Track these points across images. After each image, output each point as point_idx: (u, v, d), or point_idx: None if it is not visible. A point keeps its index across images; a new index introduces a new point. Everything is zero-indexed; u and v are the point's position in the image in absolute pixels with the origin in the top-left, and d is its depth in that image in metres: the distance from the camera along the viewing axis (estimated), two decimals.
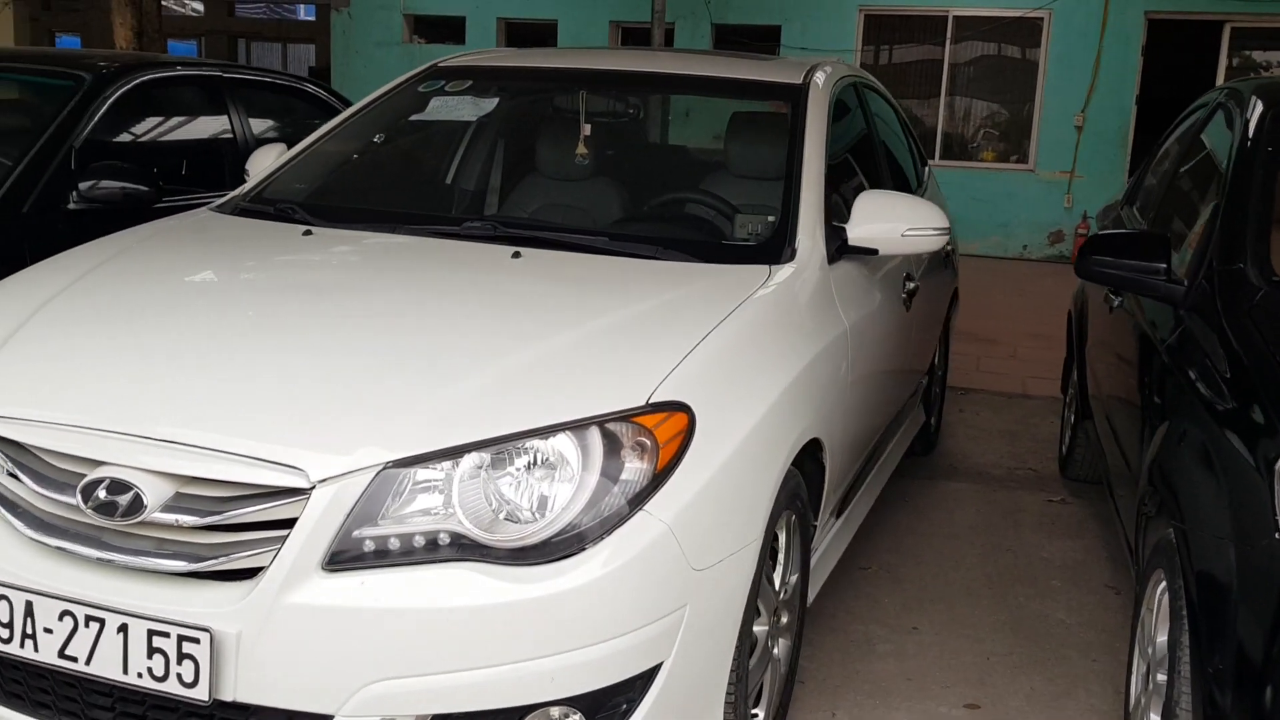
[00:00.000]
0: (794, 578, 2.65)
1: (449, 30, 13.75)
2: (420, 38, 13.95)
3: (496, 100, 3.83)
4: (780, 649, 2.62)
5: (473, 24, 13.53)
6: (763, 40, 12.76)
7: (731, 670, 2.19)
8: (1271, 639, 1.95)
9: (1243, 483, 2.10)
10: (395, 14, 13.77)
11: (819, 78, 3.43)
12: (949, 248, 4.69)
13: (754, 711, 2.48)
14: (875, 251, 3.01)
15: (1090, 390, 4.15)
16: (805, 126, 3.14)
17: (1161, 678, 2.33)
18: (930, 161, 12.08)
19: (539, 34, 13.59)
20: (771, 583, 2.49)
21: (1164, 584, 2.38)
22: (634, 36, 13.07)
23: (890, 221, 2.96)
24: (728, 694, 2.19)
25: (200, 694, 1.84)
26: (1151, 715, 2.40)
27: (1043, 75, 12.10)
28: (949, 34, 12.31)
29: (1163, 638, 2.35)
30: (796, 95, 3.27)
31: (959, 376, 6.45)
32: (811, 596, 2.88)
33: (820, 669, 3.04)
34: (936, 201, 4.76)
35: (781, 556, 2.54)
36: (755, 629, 2.42)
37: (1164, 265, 2.83)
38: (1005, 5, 11.97)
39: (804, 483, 2.59)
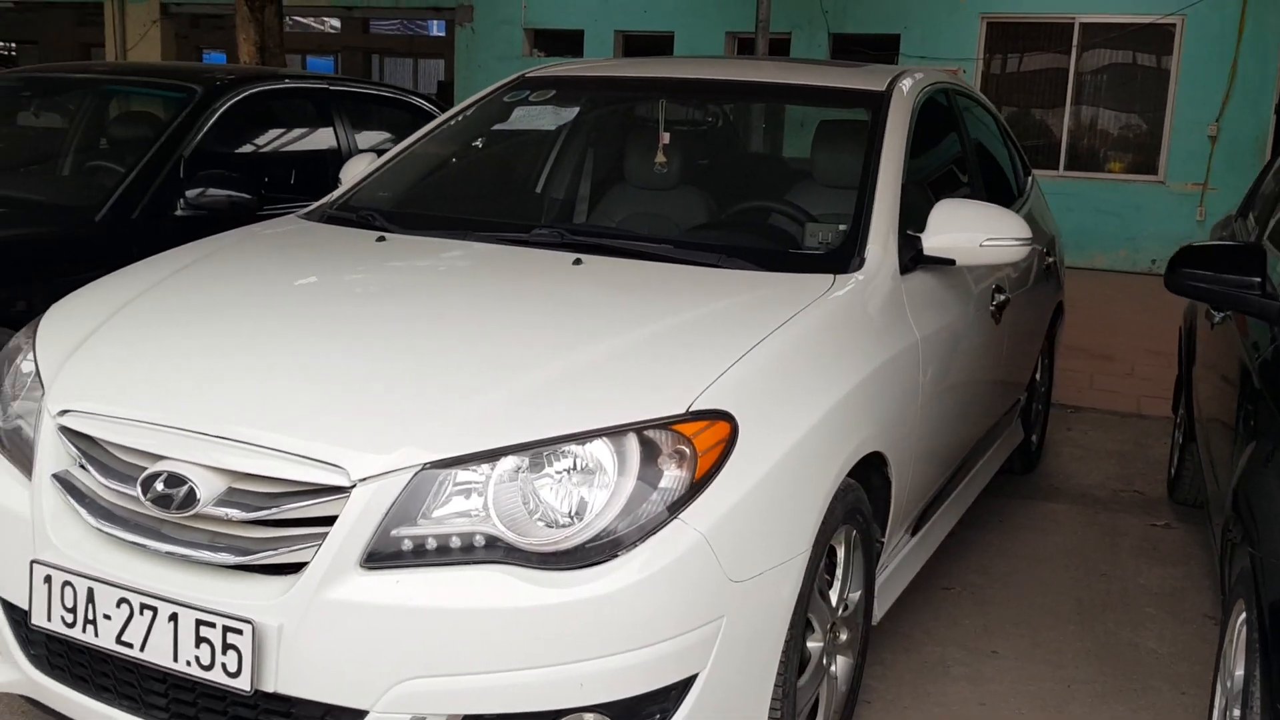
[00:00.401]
0: (855, 594, 2.59)
1: (568, 43, 13.95)
2: (540, 51, 14.18)
3: (577, 110, 3.87)
4: (839, 667, 2.57)
5: (591, 37, 13.69)
6: (881, 49, 12.59)
7: (777, 686, 2.16)
8: None
9: None
10: (516, 29, 14.03)
11: (904, 85, 3.37)
12: (1050, 260, 4.55)
13: None
14: (953, 262, 2.93)
15: (1194, 409, 3.96)
16: (884, 135, 3.08)
17: (1238, 713, 2.21)
18: (1055, 173, 11.80)
19: (656, 45, 13.67)
20: (827, 598, 2.44)
21: (1244, 615, 2.25)
22: (750, 47, 13.05)
23: (968, 231, 2.88)
24: (771, 709, 2.16)
25: (243, 684, 1.90)
26: None
27: (1174, 83, 11.63)
28: (1075, 41, 11.94)
29: (1240, 671, 2.23)
30: (877, 103, 3.22)
31: (1069, 394, 6.24)
32: (879, 615, 2.81)
33: (889, 689, 2.96)
34: (1038, 212, 4.64)
35: (839, 572, 2.49)
36: (809, 645, 2.38)
37: (1258, 279, 2.68)
38: (1135, 11, 11.55)
39: (866, 497, 2.53)
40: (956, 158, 3.75)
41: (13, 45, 23.91)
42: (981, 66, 12.28)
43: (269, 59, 8.24)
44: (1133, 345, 7.72)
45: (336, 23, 24.35)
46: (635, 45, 13.87)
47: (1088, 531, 4.24)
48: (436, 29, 24.91)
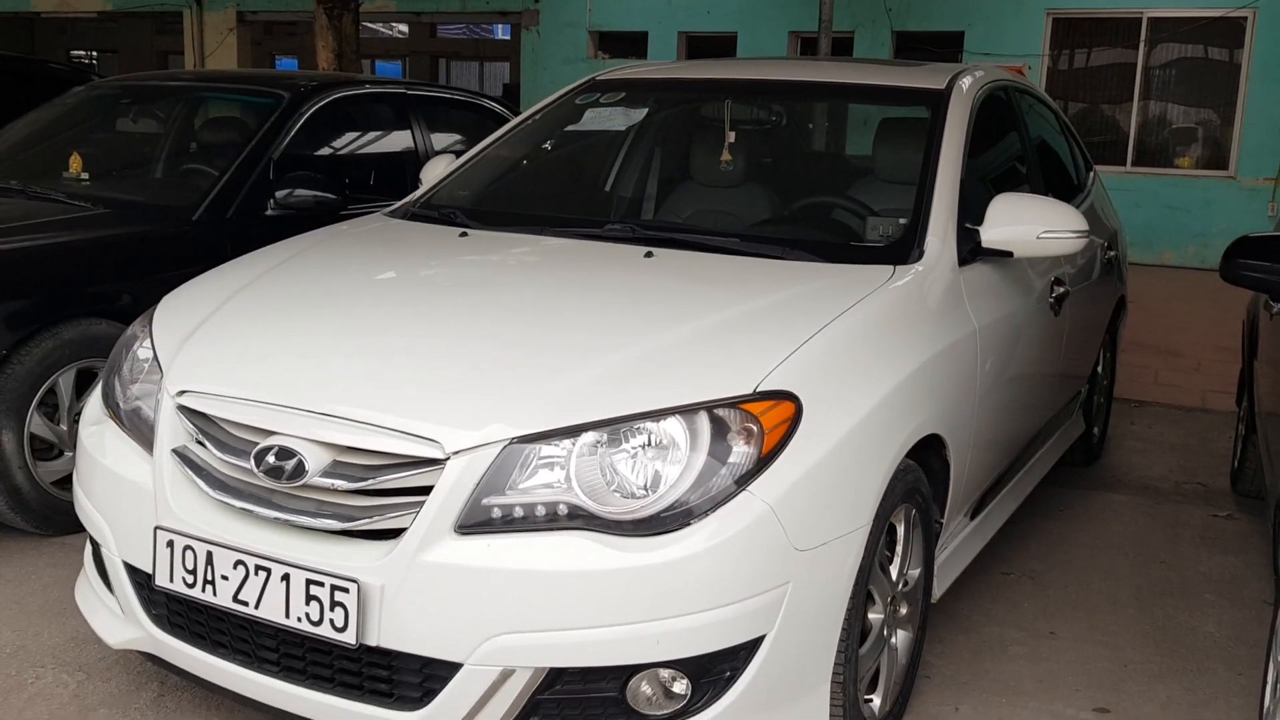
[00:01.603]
0: (915, 571, 2.71)
1: (632, 45, 14.13)
2: (604, 53, 14.38)
3: (646, 111, 4.02)
4: (899, 639, 2.69)
5: (654, 38, 13.86)
6: (945, 46, 12.59)
7: (839, 651, 2.29)
8: None
9: None
10: (581, 31, 14.24)
11: (964, 83, 3.47)
12: (1111, 254, 4.61)
13: (868, 697, 2.56)
14: (1010, 254, 3.03)
15: (1256, 402, 4.01)
16: (943, 131, 3.19)
17: None
18: (1122, 169, 11.71)
19: (719, 46, 13.80)
20: (887, 573, 2.57)
21: None
22: (812, 46, 13.12)
23: (1025, 224, 2.99)
24: (835, 674, 2.29)
25: (349, 638, 2.08)
26: None
27: (1245, 77, 11.49)
28: (1143, 36, 11.84)
29: None
30: (937, 100, 3.33)
31: (1134, 389, 6.26)
32: (938, 593, 2.93)
33: (948, 665, 3.07)
34: (1100, 207, 4.70)
35: (899, 548, 2.61)
36: (870, 616, 2.51)
37: None
38: (1204, 5, 11.44)
39: (925, 478, 2.65)
40: (1016, 153, 3.84)
41: (94, 54, 24.69)
42: (1047, 63, 12.23)
43: (346, 65, 8.53)
44: (1200, 341, 7.69)
45: (404, 27, 24.79)
46: (698, 46, 14.01)
47: (1149, 521, 4.30)
48: (502, 32, 25.25)
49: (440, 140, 5.23)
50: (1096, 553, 3.95)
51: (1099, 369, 4.75)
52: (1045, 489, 4.28)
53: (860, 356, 2.43)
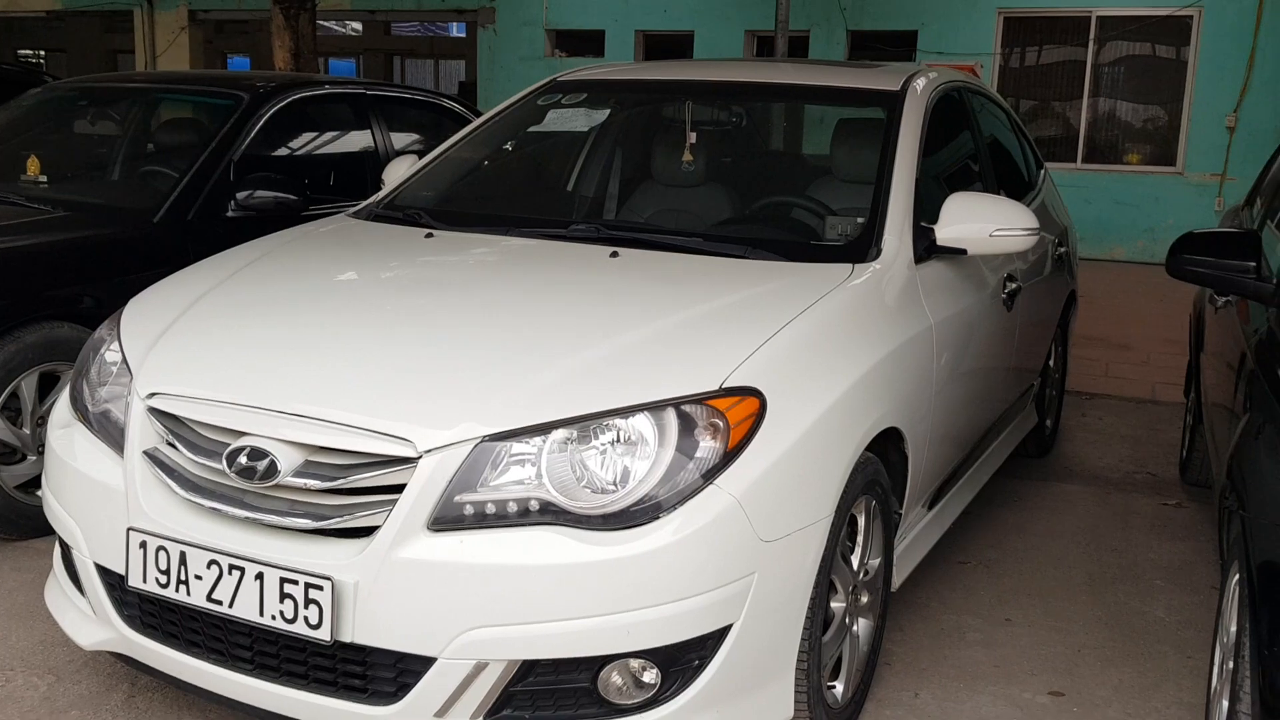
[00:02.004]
0: (875, 561, 2.79)
1: (589, 44, 14.16)
2: (561, 51, 14.40)
3: (608, 112, 4.07)
4: (861, 628, 2.76)
5: (612, 37, 13.89)
6: (899, 45, 12.74)
7: (803, 639, 2.35)
8: None
9: None
10: (538, 29, 14.25)
11: (918, 84, 3.55)
12: (1062, 250, 4.72)
13: (831, 684, 2.63)
14: (964, 251, 3.12)
15: (1202, 392, 4.13)
16: (899, 131, 3.27)
17: (1231, 665, 2.38)
18: (1073, 165, 11.89)
19: (676, 45, 13.87)
20: (849, 563, 2.64)
21: (1237, 575, 2.43)
22: (769, 45, 13.22)
23: (978, 222, 3.07)
24: (799, 661, 2.35)
25: (323, 635, 2.11)
26: (1223, 702, 2.45)
27: (1192, 75, 11.73)
28: (1093, 34, 12.05)
29: (1234, 627, 2.41)
30: (892, 102, 3.40)
31: (1085, 381, 6.40)
32: (897, 582, 3.01)
33: (908, 653, 3.15)
34: (1051, 204, 4.81)
35: (860, 539, 2.69)
36: (832, 605, 2.57)
37: (1253, 264, 2.86)
38: (1152, 4, 11.66)
39: (885, 471, 2.73)
40: (969, 152, 3.93)
41: (41, 53, 24.30)
42: (999, 61, 12.41)
43: (303, 64, 8.49)
44: (1149, 334, 7.86)
45: (359, 25, 24.63)
46: (656, 44, 14.07)
47: (1101, 510, 4.41)
48: (457, 30, 25.15)
49: (400, 140, 5.24)
50: (1050, 541, 4.05)
51: (1051, 362, 4.86)
52: (1000, 480, 4.38)
53: (821, 352, 2.50)
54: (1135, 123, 12.36)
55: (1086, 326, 7.75)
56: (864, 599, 2.75)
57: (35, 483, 3.60)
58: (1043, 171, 4.99)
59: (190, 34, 16.43)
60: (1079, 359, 6.61)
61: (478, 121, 3.92)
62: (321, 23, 19.41)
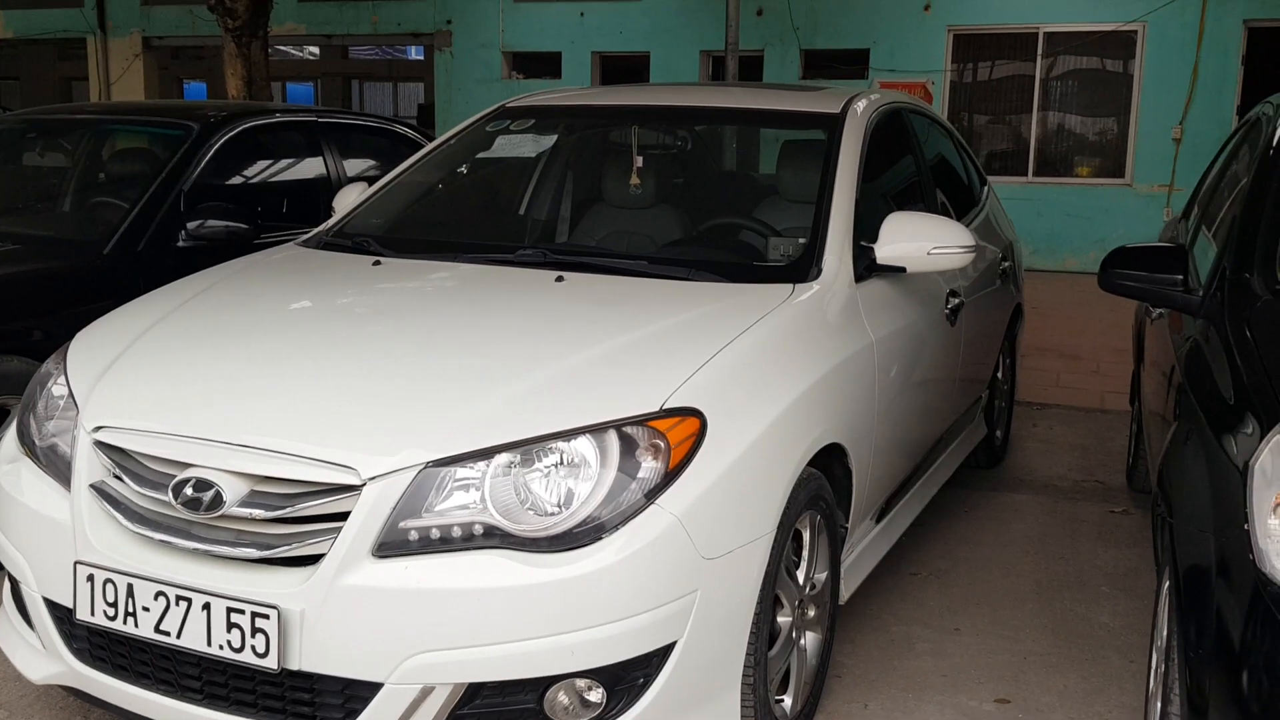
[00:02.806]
0: (822, 575, 2.84)
1: (546, 65, 14.24)
2: (519, 73, 14.47)
3: (555, 138, 4.12)
4: (808, 641, 2.81)
5: (568, 58, 13.99)
6: (851, 63, 12.91)
7: (749, 655, 2.40)
8: (1245, 624, 2.07)
9: (1224, 480, 2.22)
10: (494, 51, 14.32)
11: (859, 106, 3.63)
12: (1005, 264, 4.82)
13: (780, 697, 2.67)
14: (903, 269, 3.19)
15: (1142, 400, 4.23)
16: (839, 153, 3.34)
17: (1163, 669, 2.45)
18: (1024, 178, 12.06)
19: (632, 66, 13.97)
20: (794, 577, 2.68)
21: (1169, 580, 2.50)
22: (724, 65, 13.36)
23: (916, 241, 3.14)
24: (745, 676, 2.39)
25: (271, 663, 2.13)
26: (1158, 704, 2.52)
27: (1138, 88, 11.98)
28: (1040, 50, 12.28)
29: (1166, 630, 2.48)
30: (832, 124, 3.48)
31: (1035, 392, 6.51)
32: (845, 595, 3.06)
33: (858, 664, 3.20)
34: (995, 220, 4.91)
35: (805, 553, 2.73)
36: (779, 619, 2.62)
37: (1180, 276, 2.94)
38: (1097, 19, 11.91)
39: (829, 485, 2.78)
40: (911, 172, 4.02)
41: None
42: (950, 77, 12.61)
43: (256, 92, 8.49)
44: (1099, 344, 8.00)
45: (316, 49, 24.58)
46: (612, 65, 14.17)
47: (1049, 519, 4.50)
48: (415, 53, 25.14)
49: (353, 167, 5.26)
50: (999, 550, 4.12)
51: (999, 374, 4.95)
52: (950, 491, 4.46)
53: (762, 372, 2.55)
54: (1084, 135, 12.59)
55: (1038, 337, 7.88)
56: (811, 613, 2.80)
57: None
58: (986, 188, 5.09)
59: (145, 61, 16.36)
60: (1030, 369, 6.72)
61: (427, 148, 3.96)
62: (279, 47, 19.38)
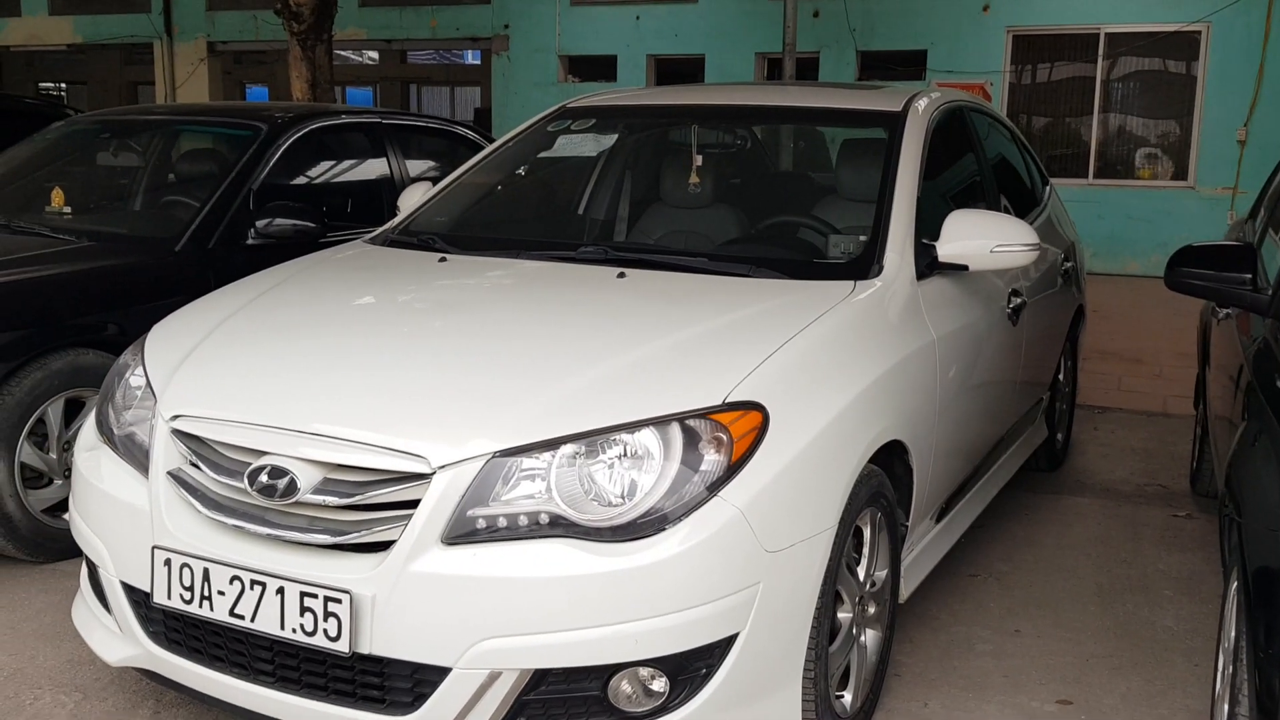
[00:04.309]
0: (882, 573, 2.84)
1: (601, 69, 14.31)
2: (574, 77, 14.56)
3: (616, 137, 4.16)
4: (868, 638, 2.81)
5: (623, 62, 14.04)
6: (908, 65, 12.83)
7: (810, 648, 2.41)
8: None
9: None
10: (551, 55, 14.41)
11: (920, 105, 3.62)
12: (1068, 265, 4.77)
13: (840, 693, 2.67)
14: (966, 267, 3.18)
15: (1207, 402, 4.17)
16: (900, 151, 3.34)
17: (1231, 670, 2.42)
18: (1084, 181, 11.92)
19: (688, 69, 14.00)
20: (855, 574, 2.69)
21: (1237, 581, 2.47)
22: (779, 67, 13.34)
23: (979, 239, 3.13)
24: (806, 670, 2.41)
25: (342, 646, 2.18)
26: (1225, 706, 2.49)
27: (1201, 89, 11.78)
28: (1101, 51, 12.12)
29: (1234, 632, 2.45)
30: (894, 122, 3.47)
31: (1097, 395, 6.43)
32: (905, 594, 3.05)
33: (918, 663, 3.20)
34: (1057, 220, 4.87)
35: (866, 550, 2.74)
36: (839, 615, 2.63)
37: (1249, 275, 2.91)
38: (1160, 20, 11.73)
39: (890, 483, 2.78)
40: (972, 171, 4.00)
41: (63, 86, 24.67)
42: (1009, 79, 12.48)
43: (320, 94, 8.64)
44: (1162, 348, 7.88)
45: (375, 54, 24.90)
46: (667, 69, 14.20)
47: (1111, 523, 4.45)
48: (472, 58, 25.39)
49: (415, 167, 5.34)
50: (1060, 554, 4.09)
51: (1060, 376, 4.90)
52: (1011, 493, 4.43)
53: (823, 367, 2.56)
54: (1146, 137, 12.41)
55: (1099, 341, 7.78)
56: (871, 610, 2.80)
57: (61, 506, 3.69)
58: (1048, 188, 5.04)
59: (209, 65, 16.69)
60: (1091, 373, 6.64)
61: (489, 148, 4.01)
62: (339, 52, 19.69)
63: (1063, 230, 4.92)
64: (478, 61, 24.10)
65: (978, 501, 3.79)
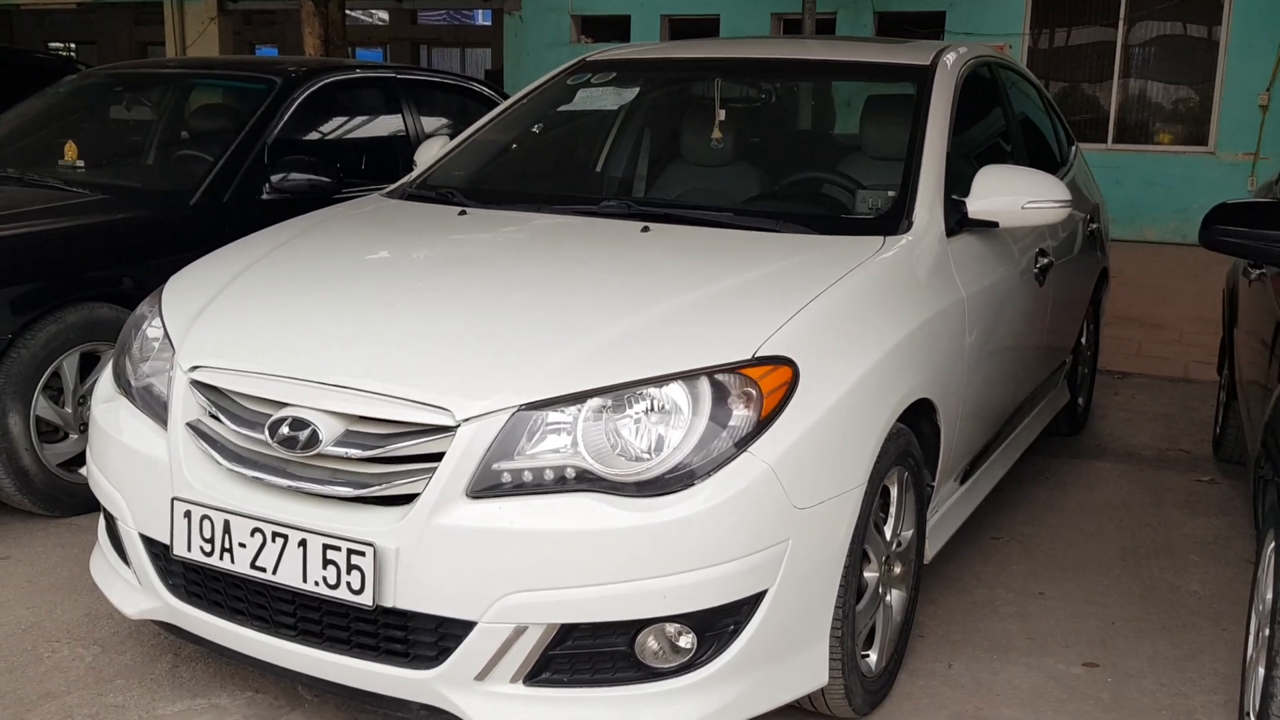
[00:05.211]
0: (908, 533, 2.80)
1: (615, 29, 14.15)
2: (587, 37, 14.39)
3: (637, 90, 4.08)
4: (894, 598, 2.77)
5: (637, 22, 13.88)
6: (926, 27, 12.65)
7: (837, 607, 2.37)
8: None
9: None
10: (563, 15, 14.25)
11: (948, 59, 3.54)
12: (1094, 226, 4.70)
13: (865, 653, 2.64)
14: (996, 224, 3.11)
15: (1236, 367, 4.11)
16: (929, 105, 3.27)
17: (1267, 632, 2.38)
18: (1103, 146, 11.78)
19: (702, 29, 13.82)
20: (882, 533, 2.65)
21: (1273, 543, 2.43)
22: (795, 28, 13.16)
23: (1009, 195, 3.07)
24: (833, 629, 2.37)
25: (366, 600, 2.15)
26: (1260, 669, 2.45)
27: (1223, 54, 11.60)
28: (1122, 14, 11.94)
29: (1270, 594, 2.41)
30: (923, 76, 3.40)
31: (1118, 360, 6.37)
32: (930, 554, 3.02)
33: (941, 625, 3.17)
34: (1082, 181, 4.79)
35: (893, 509, 2.70)
36: (866, 574, 2.59)
37: None
38: None
39: (918, 443, 2.74)
40: (1000, 128, 3.92)
41: (73, 46, 24.54)
42: (1028, 42, 12.31)
43: (332, 51, 8.54)
44: (1182, 314, 7.81)
45: (385, 15, 24.70)
46: (681, 29, 14.03)
47: (1133, 487, 4.40)
48: (482, 19, 25.18)
49: (430, 124, 5.27)
50: (1083, 517, 4.05)
51: (1083, 340, 4.84)
52: (1032, 457, 4.38)
53: (853, 323, 2.51)
54: (1166, 103, 12.24)
55: (1119, 306, 7.70)
56: (897, 570, 2.76)
57: (77, 460, 3.67)
58: (1074, 148, 4.96)
59: (219, 24, 16.55)
60: (1112, 338, 6.57)
61: (508, 102, 3.95)
62: (349, 12, 19.55)
63: (1088, 192, 4.84)
64: (488, 22, 23.89)
65: (1001, 464, 3.75)
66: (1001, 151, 3.87)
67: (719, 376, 2.21)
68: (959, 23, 12.39)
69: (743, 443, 2.16)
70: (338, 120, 4.99)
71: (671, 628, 2.16)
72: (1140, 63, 12.19)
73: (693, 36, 13.79)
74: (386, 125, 5.14)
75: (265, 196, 4.28)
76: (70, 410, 3.67)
